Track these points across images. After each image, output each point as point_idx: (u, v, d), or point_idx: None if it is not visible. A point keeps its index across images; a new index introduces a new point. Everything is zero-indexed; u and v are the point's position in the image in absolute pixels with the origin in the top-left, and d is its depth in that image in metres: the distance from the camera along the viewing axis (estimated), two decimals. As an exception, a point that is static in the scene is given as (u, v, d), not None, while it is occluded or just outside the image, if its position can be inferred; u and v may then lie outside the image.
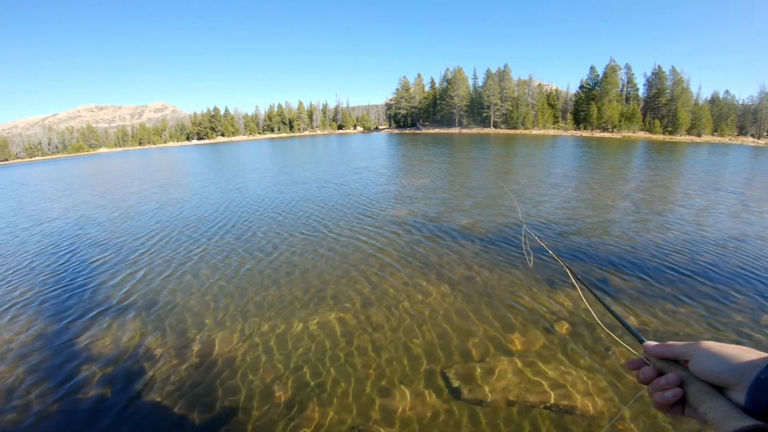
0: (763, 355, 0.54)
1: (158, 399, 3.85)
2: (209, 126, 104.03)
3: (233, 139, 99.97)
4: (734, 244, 7.69)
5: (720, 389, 0.56)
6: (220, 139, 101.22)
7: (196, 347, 4.70)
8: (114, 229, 11.03)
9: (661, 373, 0.64)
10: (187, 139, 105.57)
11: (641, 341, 0.71)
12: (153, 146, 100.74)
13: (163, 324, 5.36)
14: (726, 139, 59.62)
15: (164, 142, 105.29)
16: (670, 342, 0.65)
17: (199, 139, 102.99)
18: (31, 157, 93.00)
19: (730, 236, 8.24)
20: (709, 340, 0.58)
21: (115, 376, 4.26)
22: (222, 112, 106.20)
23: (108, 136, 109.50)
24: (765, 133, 65.58)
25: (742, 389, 0.53)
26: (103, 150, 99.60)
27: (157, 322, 5.42)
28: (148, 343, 4.86)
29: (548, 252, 1.14)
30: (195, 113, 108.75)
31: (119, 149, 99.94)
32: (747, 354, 0.55)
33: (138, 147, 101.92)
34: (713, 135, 63.78)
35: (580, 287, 0.98)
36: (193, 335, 4.99)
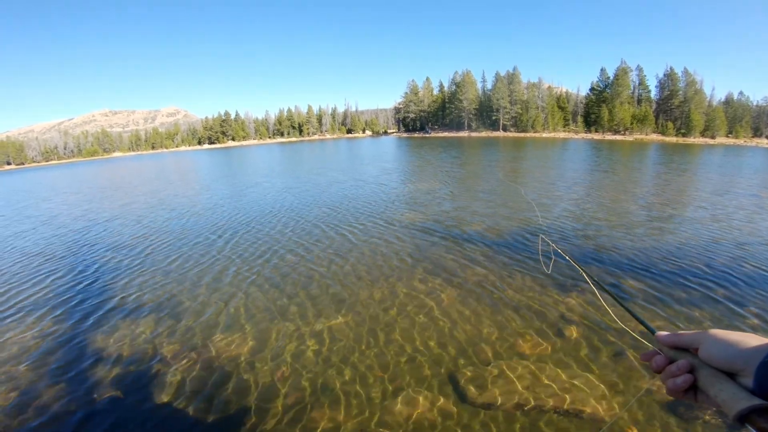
0: (767, 341, 0.56)
1: (171, 400, 3.92)
2: (220, 130, 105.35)
3: (243, 143, 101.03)
4: (750, 248, 7.63)
5: (729, 375, 0.59)
6: (230, 143, 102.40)
7: (209, 348, 4.78)
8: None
9: (672, 362, 0.67)
10: (199, 143, 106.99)
11: (653, 332, 0.75)
12: (165, 150, 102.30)
13: (183, 325, 5.49)
14: (741, 141, 58.63)
15: (176, 147, 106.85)
16: (681, 331, 0.68)
17: (210, 143, 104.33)
18: (47, 161, 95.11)
19: (746, 240, 8.18)
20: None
21: (130, 377, 4.36)
22: (233, 116, 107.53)
23: (122, 141, 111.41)
24: (781, 135, 64.36)
25: (749, 373, 0.55)
26: (117, 154, 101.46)
27: (176, 322, 5.55)
28: (164, 344, 4.94)
29: (560, 254, 1.23)
30: (206, 117, 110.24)
31: (133, 153, 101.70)
32: (753, 340, 0.57)
33: (151, 151, 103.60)
34: (728, 137, 62.75)
35: (593, 284, 1.00)
36: (208, 336, 5.05)
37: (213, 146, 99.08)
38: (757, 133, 65.90)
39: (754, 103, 68.74)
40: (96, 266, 8.26)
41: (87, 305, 6.32)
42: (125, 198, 18.40)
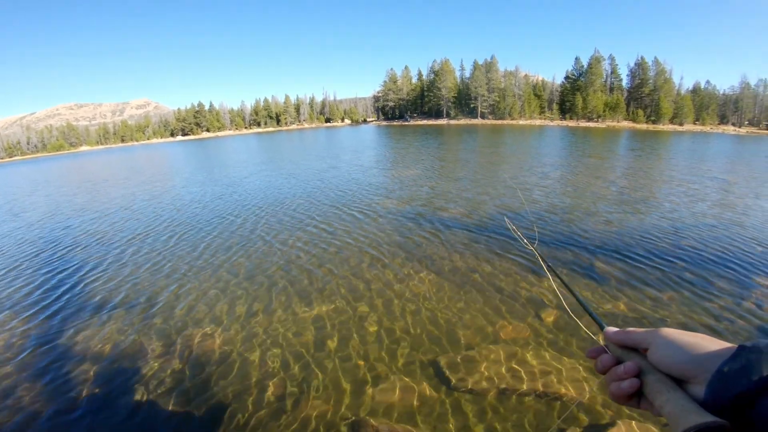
0: (725, 345, 0.50)
1: (152, 397, 3.78)
2: (194, 122, 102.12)
3: (219, 134, 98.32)
4: (716, 230, 7.79)
5: (679, 381, 0.52)
6: (205, 134, 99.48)
7: (188, 343, 4.58)
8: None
9: (619, 362, 0.61)
10: (172, 135, 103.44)
11: (602, 327, 0.67)
12: (136, 143, 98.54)
13: (159, 320, 5.29)
14: (707, 128, 60.91)
15: (148, 139, 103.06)
16: (630, 328, 0.61)
17: (184, 135, 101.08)
18: (10, 157, 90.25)
19: (712, 222, 8.37)
20: (679, 327, 0.57)
21: (110, 375, 4.17)
22: (207, 107, 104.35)
23: (89, 134, 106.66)
24: (746, 122, 67.18)
25: (701, 382, 0.49)
26: (84, 148, 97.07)
27: (147, 316, 5.34)
28: (143, 340, 4.74)
29: (536, 239, 1.18)
30: (179, 109, 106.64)
31: (101, 147, 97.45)
32: (708, 343, 0.51)
33: (121, 144, 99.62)
34: (695, 124, 65.10)
35: (546, 268, 0.93)
36: (187, 331, 4.87)
37: (187, 138, 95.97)
38: (723, 120, 68.64)
39: (721, 92, 71.49)
40: (107, 260, 7.72)
41: (87, 301, 5.95)
42: (117, 191, 16.91)
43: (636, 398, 0.57)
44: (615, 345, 0.63)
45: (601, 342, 0.66)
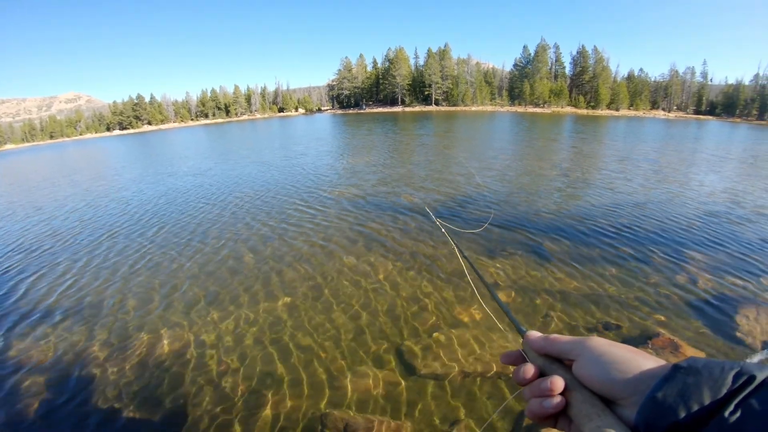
0: (658, 362, 0.45)
1: (107, 404, 3.53)
2: (133, 114, 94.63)
3: (162, 127, 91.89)
4: (651, 209, 8.29)
5: (606, 400, 0.46)
6: (146, 128, 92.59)
7: (142, 345, 4.29)
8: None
9: (542, 374, 0.53)
10: (108, 129, 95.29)
11: (522, 332, 0.60)
12: (67, 139, 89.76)
13: (109, 322, 4.85)
14: (641, 113, 65.73)
15: (80, 134, 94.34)
16: (554, 335, 0.55)
17: (122, 129, 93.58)
18: None
19: (647, 201, 8.90)
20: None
21: (59, 383, 3.86)
22: (147, 99, 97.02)
23: (13, 131, 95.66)
24: (674, 107, 73.13)
25: (631, 405, 0.43)
26: (9, 147, 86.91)
27: (100, 320, 4.90)
28: (92, 344, 4.38)
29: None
30: (115, 102, 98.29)
31: (27, 144, 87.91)
32: (640, 360, 0.46)
33: (49, 141, 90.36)
34: (630, 109, 69.94)
35: (462, 258, 0.86)
36: (140, 332, 4.55)
37: (125, 132, 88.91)
38: (654, 105, 74.21)
39: (652, 79, 77.09)
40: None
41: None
42: (66, 190, 14.74)
43: (554, 417, 0.50)
44: (535, 352, 0.56)
45: (520, 346, 0.60)
